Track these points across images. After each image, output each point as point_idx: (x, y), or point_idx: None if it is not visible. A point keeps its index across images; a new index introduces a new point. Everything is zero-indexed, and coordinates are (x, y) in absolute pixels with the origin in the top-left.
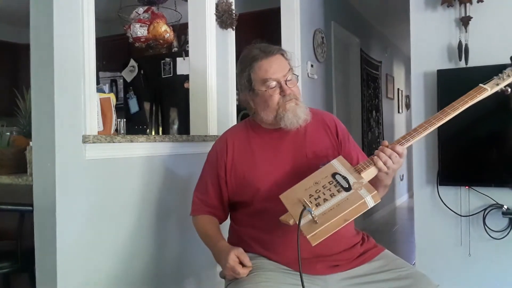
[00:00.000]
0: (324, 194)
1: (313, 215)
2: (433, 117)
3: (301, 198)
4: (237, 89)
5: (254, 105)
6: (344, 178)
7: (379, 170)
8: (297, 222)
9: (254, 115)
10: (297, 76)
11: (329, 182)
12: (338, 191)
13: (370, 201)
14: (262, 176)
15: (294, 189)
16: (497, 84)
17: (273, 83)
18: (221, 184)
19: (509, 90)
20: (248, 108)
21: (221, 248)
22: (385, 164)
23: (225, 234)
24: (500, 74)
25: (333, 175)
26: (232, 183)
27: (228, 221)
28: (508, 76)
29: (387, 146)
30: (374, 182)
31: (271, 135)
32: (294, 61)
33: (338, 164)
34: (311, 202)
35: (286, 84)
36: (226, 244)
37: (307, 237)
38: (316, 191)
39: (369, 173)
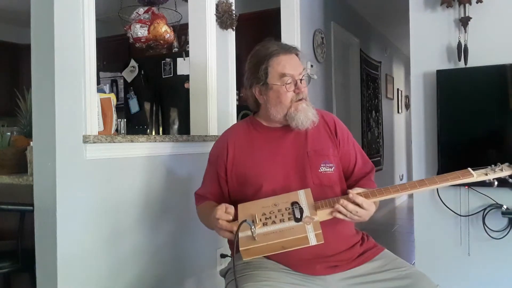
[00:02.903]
0: (276, 217)
1: (252, 231)
2: (409, 183)
3: (254, 213)
4: (241, 85)
5: (265, 99)
6: (300, 209)
7: (334, 217)
8: (235, 232)
9: (258, 112)
10: (309, 78)
11: (285, 208)
12: (289, 219)
13: (313, 239)
14: (264, 174)
15: (254, 203)
16: (486, 174)
17: (290, 80)
18: (221, 183)
19: (496, 183)
20: (252, 104)
21: (212, 211)
22: (345, 216)
23: None
24: (493, 166)
25: (293, 203)
26: (233, 182)
27: None
28: (501, 170)
29: (352, 202)
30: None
31: (273, 134)
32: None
33: (302, 195)
34: (260, 220)
35: (300, 82)
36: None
37: (240, 249)
38: (270, 212)
39: (324, 213)
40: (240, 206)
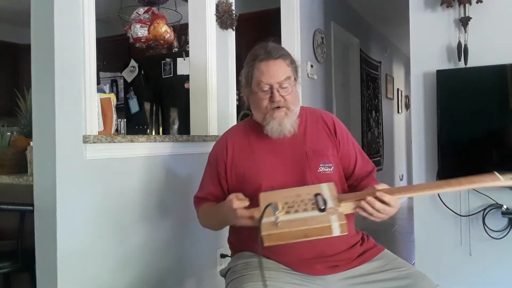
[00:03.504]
0: (299, 206)
1: (276, 216)
2: (435, 183)
3: (276, 202)
4: (239, 85)
5: (250, 102)
6: (324, 200)
7: (357, 212)
8: (260, 217)
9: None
10: (296, 83)
11: (308, 199)
12: (312, 209)
13: (336, 229)
14: (263, 174)
15: (276, 192)
16: None
17: (266, 87)
18: (222, 182)
19: None
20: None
21: (221, 205)
22: (370, 214)
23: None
24: None
25: (316, 195)
26: (233, 181)
27: None
28: None
29: (377, 198)
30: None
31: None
32: (303, 69)
33: (326, 189)
34: (283, 208)
35: (278, 90)
36: (223, 203)
37: (262, 234)
38: (293, 201)
39: (347, 206)
40: (262, 194)
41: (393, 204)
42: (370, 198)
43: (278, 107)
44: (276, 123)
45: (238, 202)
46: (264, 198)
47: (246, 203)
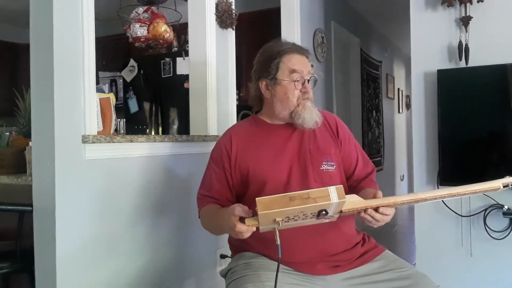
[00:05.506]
0: (299, 217)
1: (277, 231)
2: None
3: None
4: (241, 85)
5: (271, 94)
6: (326, 212)
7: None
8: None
9: (260, 111)
10: (315, 81)
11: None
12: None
13: (334, 197)
14: (267, 171)
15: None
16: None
17: (298, 77)
18: (227, 177)
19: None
20: (255, 100)
21: (222, 216)
22: (369, 223)
23: (225, 235)
24: None
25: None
26: (237, 177)
27: None
28: None
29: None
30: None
31: (275, 131)
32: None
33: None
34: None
35: (308, 82)
36: (225, 209)
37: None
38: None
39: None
40: (260, 206)
41: (389, 212)
42: (370, 211)
43: (306, 99)
44: (308, 114)
45: (240, 209)
46: (263, 216)
47: (248, 214)
